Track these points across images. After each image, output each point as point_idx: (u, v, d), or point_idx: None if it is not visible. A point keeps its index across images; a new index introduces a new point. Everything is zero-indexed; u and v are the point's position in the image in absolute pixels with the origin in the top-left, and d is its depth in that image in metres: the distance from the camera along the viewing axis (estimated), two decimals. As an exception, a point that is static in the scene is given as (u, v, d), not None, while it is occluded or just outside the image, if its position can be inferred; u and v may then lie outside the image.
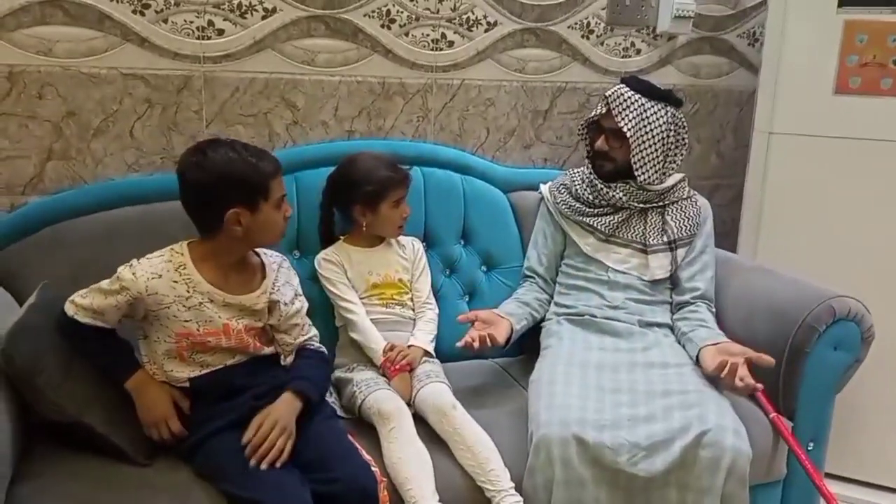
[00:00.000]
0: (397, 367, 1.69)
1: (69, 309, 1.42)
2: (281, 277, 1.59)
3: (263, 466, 1.35)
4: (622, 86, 1.91)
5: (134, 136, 1.87)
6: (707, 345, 1.74)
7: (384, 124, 2.11)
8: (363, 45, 2.04)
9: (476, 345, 1.67)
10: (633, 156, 1.88)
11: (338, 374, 1.75)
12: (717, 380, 1.69)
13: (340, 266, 1.80)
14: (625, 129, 1.87)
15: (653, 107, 1.88)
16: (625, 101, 1.88)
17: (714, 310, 1.91)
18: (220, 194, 1.43)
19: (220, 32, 1.90)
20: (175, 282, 1.44)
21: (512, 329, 1.83)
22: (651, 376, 1.69)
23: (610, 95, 1.90)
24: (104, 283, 1.43)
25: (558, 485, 1.49)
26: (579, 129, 2.03)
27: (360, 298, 1.80)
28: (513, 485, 1.51)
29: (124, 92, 1.84)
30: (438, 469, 1.51)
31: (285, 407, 1.45)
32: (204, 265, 1.47)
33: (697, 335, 1.79)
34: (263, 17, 1.93)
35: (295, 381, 1.50)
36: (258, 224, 1.46)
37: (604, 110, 1.91)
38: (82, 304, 1.42)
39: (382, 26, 2.05)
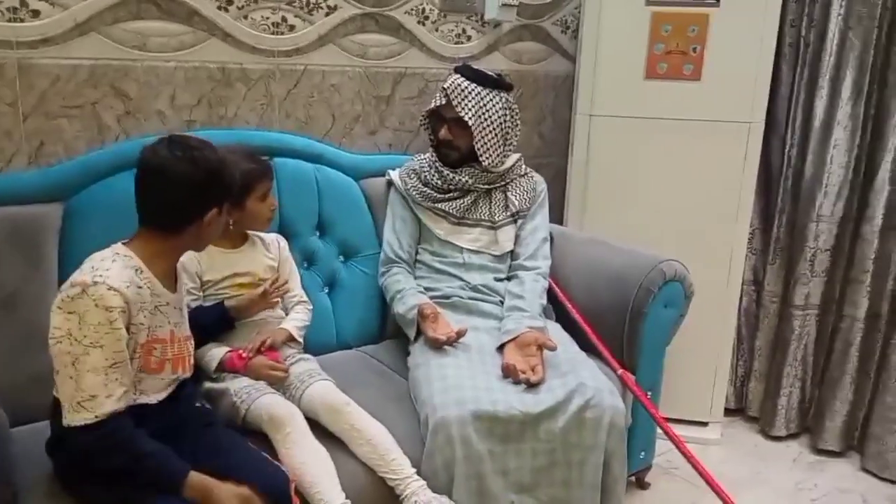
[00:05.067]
0: (249, 354, 1.62)
1: (91, 412, 1.20)
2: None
3: None
4: (458, 76, 1.97)
5: (-65, 134, 1.61)
6: (507, 340, 1.79)
7: (226, 113, 1.99)
8: (199, 29, 1.90)
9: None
10: (476, 142, 1.96)
11: (208, 385, 1.64)
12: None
13: (194, 276, 1.68)
14: (466, 119, 1.93)
15: (488, 94, 1.96)
16: (462, 90, 1.94)
17: (542, 270, 2.00)
18: (211, 192, 1.35)
19: (36, 14, 1.67)
20: (140, 287, 1.30)
21: None
22: (526, 351, 1.78)
23: (449, 87, 1.96)
24: (90, 323, 1.20)
25: (459, 462, 1.55)
26: (421, 119, 2.07)
27: (226, 301, 1.70)
28: (414, 470, 1.54)
29: (-80, 83, 1.57)
30: (338, 466, 1.49)
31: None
32: (153, 266, 1.34)
33: (505, 325, 1.84)
34: (86, -3, 1.73)
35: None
36: (218, 224, 1.40)
37: (443, 101, 1.97)
38: (105, 382, 1.22)
39: (220, 8, 1.92)
